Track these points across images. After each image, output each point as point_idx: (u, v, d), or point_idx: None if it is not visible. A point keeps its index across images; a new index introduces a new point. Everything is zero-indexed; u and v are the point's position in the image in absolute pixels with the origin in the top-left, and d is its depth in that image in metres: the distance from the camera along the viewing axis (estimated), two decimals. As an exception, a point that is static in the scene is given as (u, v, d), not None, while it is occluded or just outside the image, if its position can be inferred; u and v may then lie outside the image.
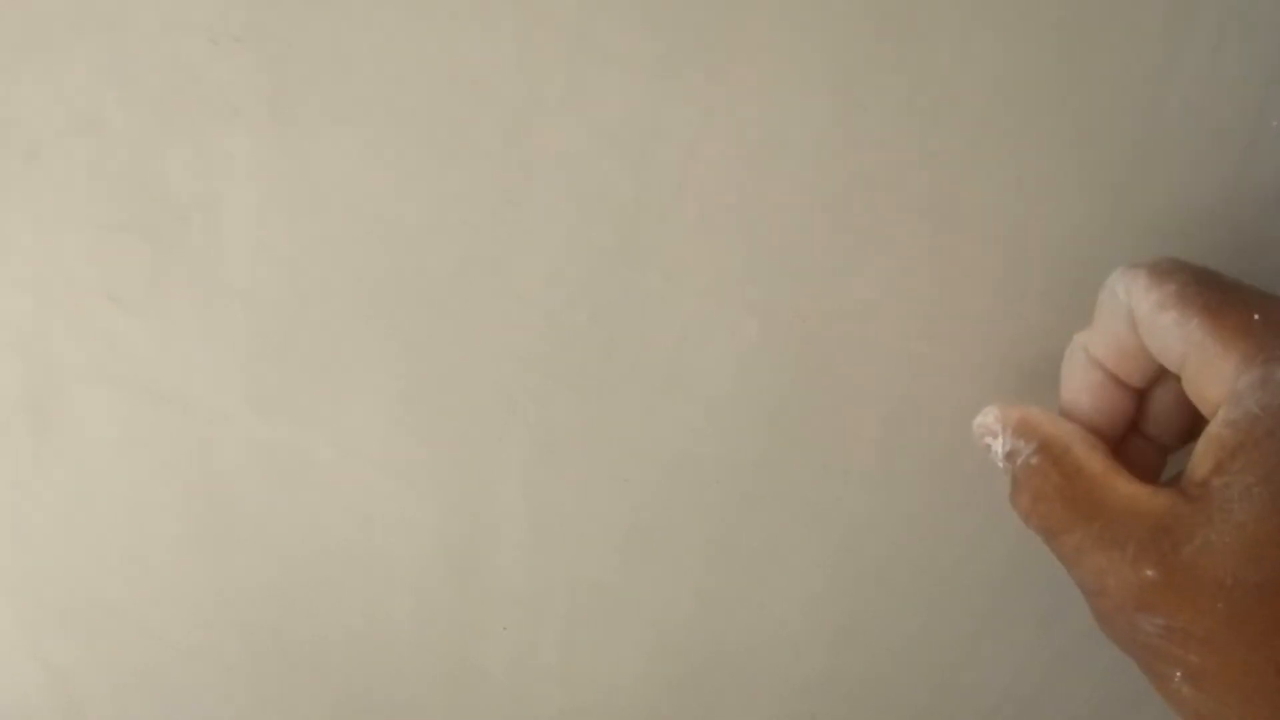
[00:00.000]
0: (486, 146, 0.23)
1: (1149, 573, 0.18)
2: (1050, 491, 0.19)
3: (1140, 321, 0.19)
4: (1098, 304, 0.20)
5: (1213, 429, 0.18)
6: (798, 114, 0.22)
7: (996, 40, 0.21)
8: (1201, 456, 0.18)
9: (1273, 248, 0.22)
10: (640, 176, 0.23)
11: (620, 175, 0.23)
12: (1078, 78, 0.21)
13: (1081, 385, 0.21)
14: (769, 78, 0.21)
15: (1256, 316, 0.18)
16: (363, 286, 0.25)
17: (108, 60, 0.23)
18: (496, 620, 0.29)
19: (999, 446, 0.21)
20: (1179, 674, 0.18)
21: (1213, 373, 0.18)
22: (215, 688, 0.33)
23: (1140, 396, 0.21)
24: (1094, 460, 0.19)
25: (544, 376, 0.25)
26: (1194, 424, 0.20)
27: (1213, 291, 0.18)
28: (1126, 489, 0.19)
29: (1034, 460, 0.20)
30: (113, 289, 0.26)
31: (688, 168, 0.23)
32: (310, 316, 0.25)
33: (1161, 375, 0.21)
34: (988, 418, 0.21)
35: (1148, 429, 0.21)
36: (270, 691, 0.32)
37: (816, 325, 0.24)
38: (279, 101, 0.23)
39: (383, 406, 0.26)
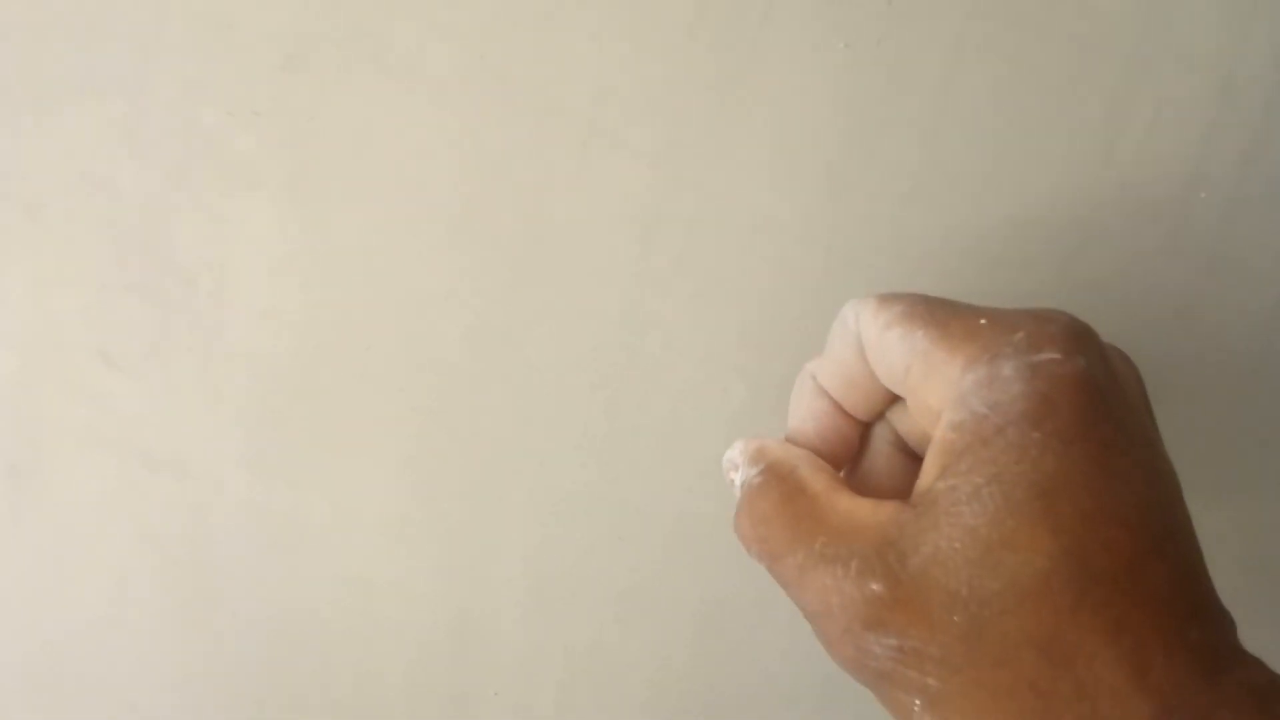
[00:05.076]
0: (500, 223, 0.24)
1: (874, 587, 0.16)
2: (771, 512, 0.19)
3: (868, 345, 0.19)
4: (830, 334, 0.20)
5: (937, 435, 0.17)
6: (786, 197, 0.24)
7: (963, 133, 0.24)
8: (927, 466, 0.17)
9: (1208, 309, 0.25)
10: (643, 252, 0.25)
11: (624, 250, 0.25)
12: (1029, 161, 0.24)
13: (808, 412, 0.20)
14: (761, 165, 0.24)
15: (983, 321, 0.17)
16: (370, 353, 0.25)
17: (122, 123, 0.23)
18: (488, 686, 0.29)
19: (738, 478, 0.20)
20: (918, 702, 0.16)
21: (937, 378, 0.17)
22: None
23: (863, 431, 0.21)
24: (818, 480, 0.19)
25: (546, 439, 0.26)
26: (907, 473, 0.20)
27: (940, 308, 0.18)
28: (848, 504, 0.18)
29: (757, 480, 0.19)
30: (107, 350, 0.26)
31: (686, 245, 0.25)
32: (314, 382, 0.26)
33: (881, 413, 0.20)
34: (733, 451, 0.21)
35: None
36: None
37: (802, 389, 0.26)
38: (297, 174, 0.24)
39: (384, 470, 0.27)
